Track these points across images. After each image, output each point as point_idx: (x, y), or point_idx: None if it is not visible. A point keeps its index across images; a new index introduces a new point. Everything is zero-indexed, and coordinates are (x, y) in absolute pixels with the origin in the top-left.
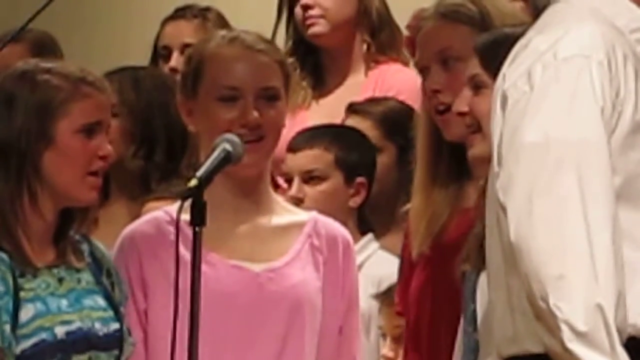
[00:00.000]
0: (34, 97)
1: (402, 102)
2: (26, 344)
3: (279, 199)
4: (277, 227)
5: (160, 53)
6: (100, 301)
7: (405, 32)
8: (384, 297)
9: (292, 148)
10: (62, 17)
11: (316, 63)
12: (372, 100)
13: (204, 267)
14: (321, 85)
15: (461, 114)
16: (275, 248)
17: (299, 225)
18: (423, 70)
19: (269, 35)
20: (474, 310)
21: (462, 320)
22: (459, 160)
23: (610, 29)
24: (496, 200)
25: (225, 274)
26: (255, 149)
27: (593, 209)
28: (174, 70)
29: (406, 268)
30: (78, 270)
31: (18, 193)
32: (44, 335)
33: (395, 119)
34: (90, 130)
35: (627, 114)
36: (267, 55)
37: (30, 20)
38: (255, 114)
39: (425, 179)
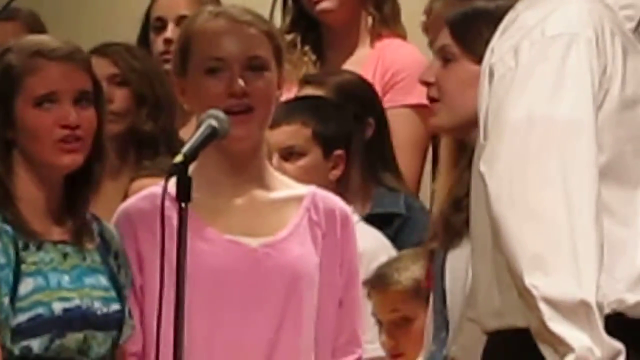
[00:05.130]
0: None
1: (356, 75)
2: (22, 317)
3: (276, 173)
4: (275, 201)
5: (154, 25)
6: (104, 281)
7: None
8: (375, 282)
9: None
10: None
11: (317, 39)
12: (327, 73)
13: (200, 243)
14: (323, 60)
15: (426, 84)
16: (273, 222)
17: (298, 199)
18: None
19: (266, 11)
20: (443, 288)
21: (431, 298)
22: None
23: (600, 5)
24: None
25: (222, 249)
26: (245, 120)
27: (576, 189)
28: (168, 41)
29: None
30: (86, 249)
31: (6, 169)
32: (40, 310)
33: (349, 89)
34: (45, 101)
35: (614, 92)
36: (253, 27)
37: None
38: (241, 82)
39: (451, 157)
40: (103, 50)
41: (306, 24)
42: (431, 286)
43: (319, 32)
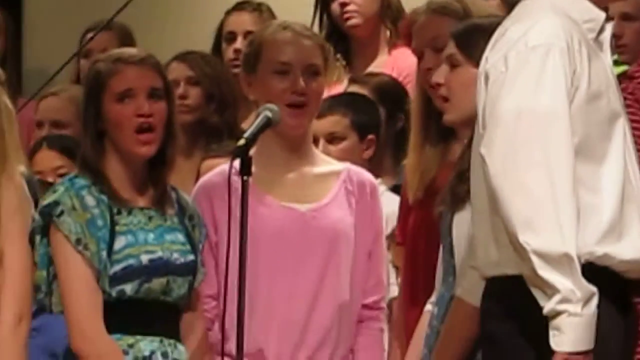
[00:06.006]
0: (88, 83)
1: (392, 77)
2: (117, 267)
3: (319, 153)
4: (319, 175)
5: (226, 37)
6: (181, 237)
7: None
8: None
9: (317, 115)
10: (138, 12)
11: (346, 48)
12: (370, 74)
13: (261, 208)
14: (351, 65)
15: (438, 85)
16: (317, 192)
17: (336, 174)
18: (419, 54)
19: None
20: (451, 242)
21: (441, 250)
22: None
23: (568, 20)
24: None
25: (278, 213)
26: (300, 113)
27: (556, 166)
28: (237, 51)
29: (404, 209)
30: (167, 213)
31: (100, 153)
32: (131, 261)
33: (385, 89)
34: (124, 97)
35: (582, 88)
36: (311, 40)
37: (115, 15)
38: (302, 83)
39: (419, 140)
40: (183, 57)
41: (337, 36)
42: (402, 240)
43: (347, 43)
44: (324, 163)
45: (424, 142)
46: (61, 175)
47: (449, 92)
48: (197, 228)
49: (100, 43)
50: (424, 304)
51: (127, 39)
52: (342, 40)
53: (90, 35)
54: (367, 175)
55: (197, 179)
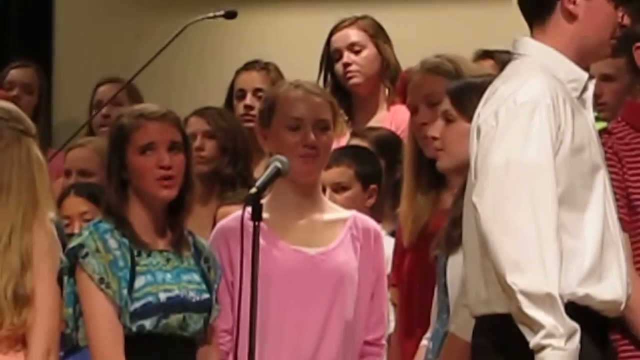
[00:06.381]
0: (112, 135)
1: (390, 131)
2: (137, 304)
3: (327, 200)
4: (327, 221)
5: (236, 94)
6: (197, 277)
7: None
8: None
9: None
10: (158, 70)
11: (349, 105)
12: (370, 128)
13: (274, 251)
14: (353, 120)
15: (433, 138)
16: (326, 237)
17: (343, 220)
18: (413, 109)
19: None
20: (445, 283)
21: (436, 290)
22: (437, 174)
23: (554, 79)
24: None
25: (290, 256)
26: (311, 162)
27: (542, 214)
28: (247, 106)
29: (399, 253)
30: (184, 255)
31: (123, 201)
32: (150, 299)
33: (385, 142)
34: (147, 150)
35: (567, 142)
36: (321, 97)
37: (137, 74)
38: (313, 137)
39: (411, 188)
40: (201, 112)
41: (341, 94)
42: (396, 282)
43: (350, 100)
44: (332, 210)
45: (415, 190)
46: (86, 220)
47: (444, 144)
48: (213, 269)
49: (105, 93)
50: (419, 337)
51: (134, 95)
52: (344, 97)
53: (102, 89)
54: (372, 222)
55: (213, 224)
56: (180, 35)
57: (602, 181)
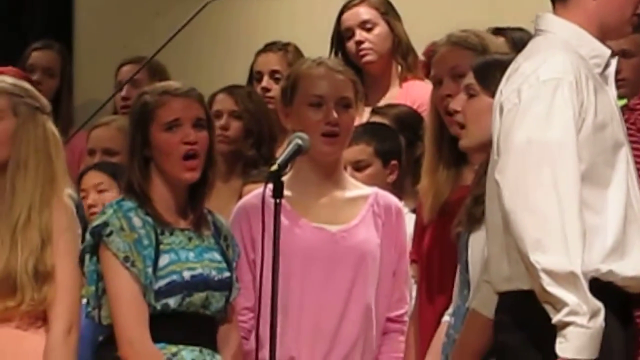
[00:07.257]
0: (135, 113)
1: (411, 108)
2: (162, 282)
3: (349, 178)
4: (349, 198)
5: (255, 77)
6: (217, 256)
7: (420, 58)
8: None
9: None
10: (177, 51)
11: (361, 82)
12: (389, 105)
13: (296, 229)
14: (365, 98)
15: (455, 111)
16: (347, 214)
17: (364, 197)
18: (437, 82)
19: None
20: (466, 259)
21: (458, 266)
22: (458, 150)
23: (576, 56)
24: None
25: (311, 233)
26: (333, 142)
27: (564, 192)
28: (265, 89)
29: (419, 229)
30: (204, 234)
31: (146, 180)
32: (174, 277)
33: (405, 119)
34: (172, 126)
35: (589, 119)
36: (343, 75)
37: (156, 53)
38: (335, 115)
39: (432, 163)
40: (230, 90)
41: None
42: (416, 258)
43: (361, 77)
44: (354, 187)
45: (437, 165)
46: (100, 192)
47: (465, 119)
48: (231, 247)
49: (126, 73)
50: (439, 312)
51: (158, 73)
52: (356, 74)
53: (125, 68)
54: (393, 199)
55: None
56: (199, 14)
57: (624, 158)
